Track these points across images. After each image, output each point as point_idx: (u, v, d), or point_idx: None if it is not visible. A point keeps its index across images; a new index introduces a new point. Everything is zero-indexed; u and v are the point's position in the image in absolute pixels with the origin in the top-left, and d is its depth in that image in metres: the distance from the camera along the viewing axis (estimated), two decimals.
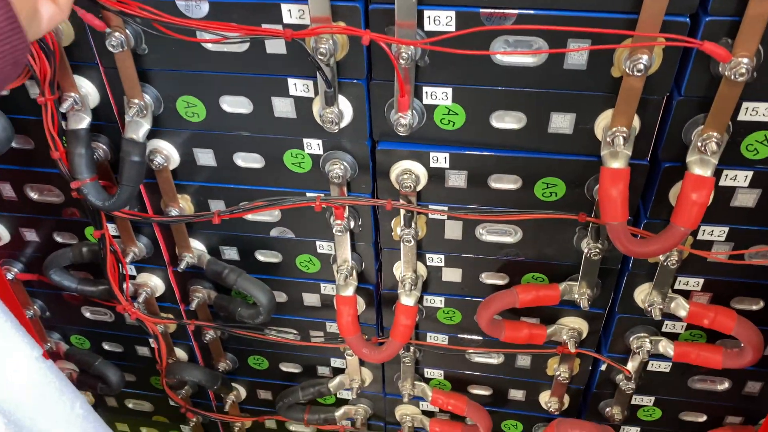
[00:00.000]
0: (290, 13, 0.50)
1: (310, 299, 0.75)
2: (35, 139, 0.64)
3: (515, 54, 0.50)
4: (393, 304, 0.73)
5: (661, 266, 0.61)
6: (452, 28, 0.49)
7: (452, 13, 0.49)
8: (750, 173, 0.54)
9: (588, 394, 0.79)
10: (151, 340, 0.85)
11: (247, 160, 0.62)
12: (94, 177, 0.61)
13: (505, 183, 0.59)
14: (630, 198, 0.53)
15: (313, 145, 0.60)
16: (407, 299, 0.68)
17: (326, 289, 0.74)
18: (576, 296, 0.65)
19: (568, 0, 0.47)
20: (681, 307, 0.64)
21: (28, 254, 0.77)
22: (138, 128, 0.58)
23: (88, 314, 0.84)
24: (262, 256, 0.72)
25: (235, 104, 0.58)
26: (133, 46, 0.54)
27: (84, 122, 0.59)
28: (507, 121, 0.55)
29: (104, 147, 0.63)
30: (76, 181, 0.60)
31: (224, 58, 0.55)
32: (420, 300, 0.70)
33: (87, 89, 0.59)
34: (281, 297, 0.75)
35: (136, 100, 0.57)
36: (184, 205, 0.67)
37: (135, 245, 0.71)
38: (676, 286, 0.64)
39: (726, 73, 0.46)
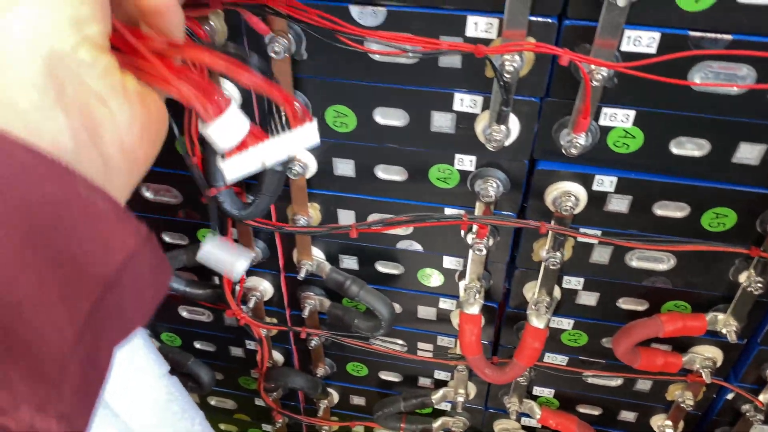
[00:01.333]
0: (476, 26, 0.47)
1: (426, 312, 0.73)
2: None
3: (720, 85, 0.46)
4: (515, 323, 0.70)
5: None
6: (653, 51, 0.46)
7: (656, 35, 0.45)
8: None
9: (706, 420, 0.76)
10: (248, 342, 0.83)
11: (389, 173, 0.59)
12: (230, 185, 0.58)
13: (670, 210, 0.56)
14: None
15: (465, 162, 0.56)
16: (538, 322, 0.65)
17: (445, 303, 0.71)
18: (722, 328, 0.62)
19: None
20: None
21: None
22: None
23: (185, 314, 0.82)
24: (383, 267, 0.69)
25: (390, 116, 0.55)
26: (293, 52, 0.51)
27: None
28: (688, 147, 0.51)
29: None
30: (213, 188, 0.58)
31: (389, 69, 0.51)
32: (549, 322, 0.67)
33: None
34: (395, 308, 0.73)
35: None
36: (312, 213, 0.64)
37: (253, 250, 0.69)
38: None
39: None
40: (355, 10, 0.48)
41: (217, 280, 0.73)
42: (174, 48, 0.33)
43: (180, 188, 0.66)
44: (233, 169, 0.37)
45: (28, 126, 0.27)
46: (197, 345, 0.86)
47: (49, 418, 0.24)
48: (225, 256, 0.61)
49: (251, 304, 0.73)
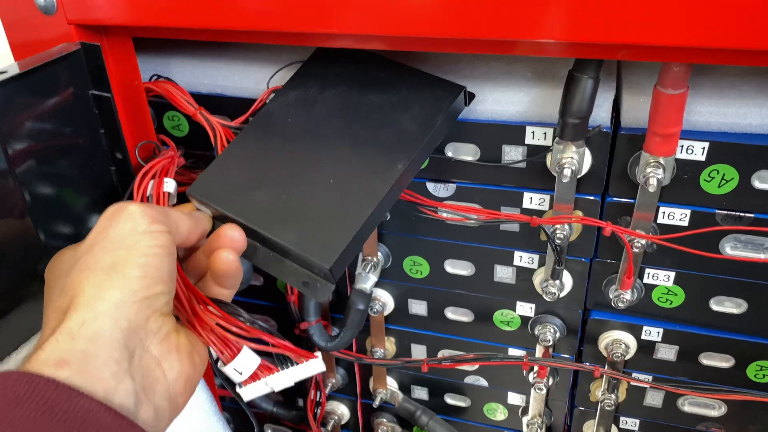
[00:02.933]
0: (531, 200, 0.56)
1: None
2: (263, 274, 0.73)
3: (747, 259, 0.53)
4: None
5: None
6: (685, 224, 0.53)
7: (687, 212, 0.53)
8: None
9: None
10: None
11: (457, 314, 0.67)
12: (319, 319, 0.68)
13: (716, 361, 0.60)
14: None
15: (526, 308, 0.64)
16: None
17: None
18: None
19: None
20: None
21: None
22: (367, 281, 0.65)
23: (269, 431, 0.90)
24: (451, 399, 0.75)
25: (458, 266, 0.64)
26: None
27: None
28: (726, 305, 0.57)
29: None
30: (305, 322, 0.67)
31: (458, 229, 0.61)
32: None
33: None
34: None
35: (371, 258, 0.64)
36: (389, 346, 0.72)
37: (334, 377, 0.77)
38: None
39: None
40: (431, 185, 0.59)
41: (300, 403, 0.81)
42: (227, 322, 0.45)
43: (276, 318, 0.76)
44: (248, 394, 0.48)
45: (106, 390, 0.35)
46: None
47: None
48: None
49: (329, 427, 0.80)
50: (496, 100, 0.53)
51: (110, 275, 0.38)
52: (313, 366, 0.49)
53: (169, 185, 0.51)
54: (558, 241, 0.55)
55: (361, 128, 0.51)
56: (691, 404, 0.64)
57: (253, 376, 0.47)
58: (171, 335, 0.42)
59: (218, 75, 0.59)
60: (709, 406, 0.64)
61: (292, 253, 0.47)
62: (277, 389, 0.49)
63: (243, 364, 0.46)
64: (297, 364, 0.49)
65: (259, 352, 0.47)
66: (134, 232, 0.40)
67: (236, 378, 0.47)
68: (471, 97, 0.52)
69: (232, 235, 0.46)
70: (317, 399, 0.77)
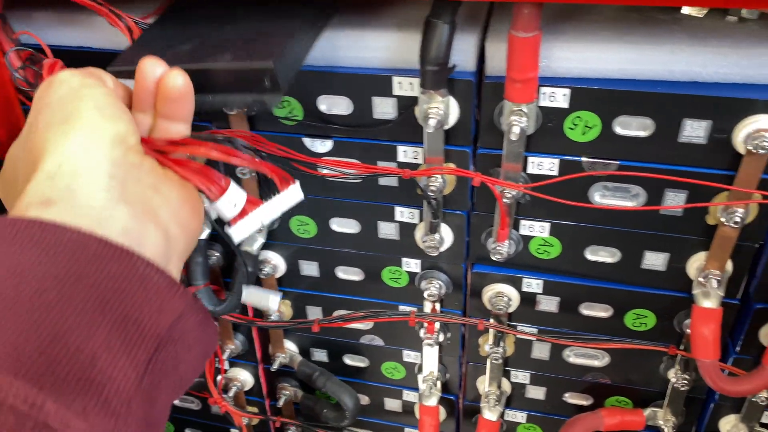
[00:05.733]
0: (405, 153, 0.56)
1: (392, 404, 0.78)
2: None
3: (614, 207, 0.54)
4: (473, 416, 0.74)
5: (750, 402, 0.62)
6: (554, 173, 0.54)
7: (556, 161, 0.53)
8: None
9: None
10: (233, 430, 0.88)
11: (348, 273, 0.67)
12: (208, 283, 0.66)
13: (596, 311, 0.61)
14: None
15: (411, 264, 0.64)
16: (490, 414, 0.70)
17: (408, 396, 0.76)
18: (660, 422, 0.66)
19: (669, 155, 0.50)
20: None
21: None
22: (253, 242, 0.64)
23: (176, 401, 0.88)
24: (350, 360, 0.75)
25: (344, 225, 0.63)
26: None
27: (203, 233, 0.65)
28: (601, 255, 0.58)
29: (218, 254, 0.68)
30: (192, 286, 0.66)
31: (340, 186, 0.60)
32: (502, 414, 0.72)
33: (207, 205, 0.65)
34: (363, 400, 0.78)
35: None
36: (284, 309, 0.71)
37: (232, 343, 0.76)
38: (763, 419, 0.64)
39: None
40: (307, 141, 0.57)
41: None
42: (175, 145, 0.43)
43: None
44: (239, 232, 0.45)
45: (101, 221, 0.35)
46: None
47: None
48: (262, 292, 0.67)
49: (231, 393, 0.79)
50: (365, 47, 0.52)
51: (69, 123, 0.37)
52: (293, 194, 0.46)
53: None
54: (431, 194, 0.55)
55: (257, 18, 0.51)
56: (576, 355, 0.66)
57: (240, 213, 0.45)
58: (157, 168, 0.40)
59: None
60: (594, 357, 0.65)
61: (232, 74, 0.45)
62: (266, 222, 0.46)
63: (231, 199, 0.44)
64: (277, 194, 0.46)
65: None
66: (73, 89, 0.39)
67: (230, 212, 0.44)
68: None
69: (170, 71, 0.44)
70: (216, 366, 0.76)
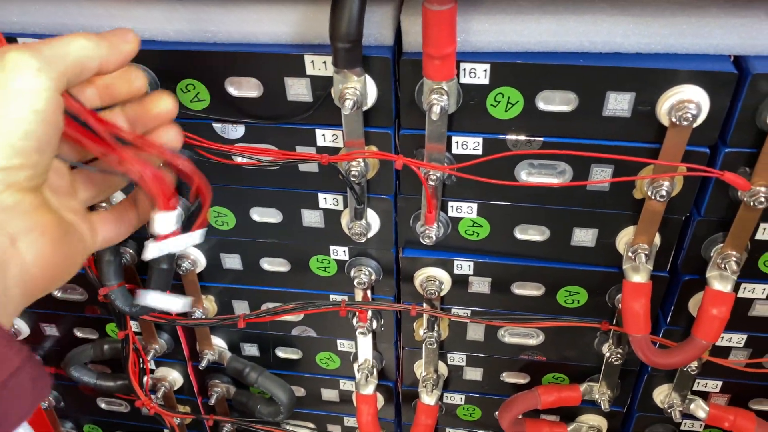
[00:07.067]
0: (324, 137, 0.52)
1: (329, 394, 0.75)
2: None
3: (540, 185, 0.52)
4: (412, 401, 0.73)
5: (681, 371, 0.62)
6: (479, 152, 0.51)
7: (480, 139, 0.51)
8: (767, 286, 0.56)
9: None
10: (166, 431, 0.85)
11: (273, 264, 0.64)
12: (122, 282, 0.62)
13: (528, 290, 0.60)
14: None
15: (339, 252, 0.61)
16: (428, 398, 0.68)
17: (345, 385, 0.74)
18: (596, 396, 0.66)
19: (594, 129, 0.49)
20: (700, 409, 0.64)
21: (47, 347, 0.77)
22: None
23: (103, 405, 0.84)
24: (282, 352, 0.72)
25: (265, 214, 0.59)
26: None
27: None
28: (530, 233, 0.57)
29: (131, 251, 0.64)
30: (104, 287, 0.61)
31: (257, 174, 0.56)
32: (440, 397, 0.71)
33: (116, 196, 0.60)
34: (299, 392, 0.76)
35: None
36: (208, 305, 0.67)
37: (156, 342, 0.72)
38: (694, 387, 0.65)
39: (745, 200, 0.48)
40: (217, 127, 0.53)
41: None
42: (141, 140, 0.41)
43: (85, 287, 0.70)
44: (152, 251, 0.44)
45: None
46: None
47: None
48: (168, 297, 0.63)
49: (160, 394, 0.75)
50: (273, 20, 0.48)
51: None
52: (198, 236, 0.47)
53: None
54: (354, 180, 0.52)
55: None
56: (511, 335, 0.65)
57: (166, 235, 0.44)
58: (35, 214, 0.36)
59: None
60: (528, 335, 0.64)
61: None
62: (173, 251, 0.45)
63: (173, 218, 0.43)
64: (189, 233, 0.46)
65: None
66: (5, 89, 0.33)
67: (162, 228, 0.43)
68: None
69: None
70: (141, 366, 0.72)
